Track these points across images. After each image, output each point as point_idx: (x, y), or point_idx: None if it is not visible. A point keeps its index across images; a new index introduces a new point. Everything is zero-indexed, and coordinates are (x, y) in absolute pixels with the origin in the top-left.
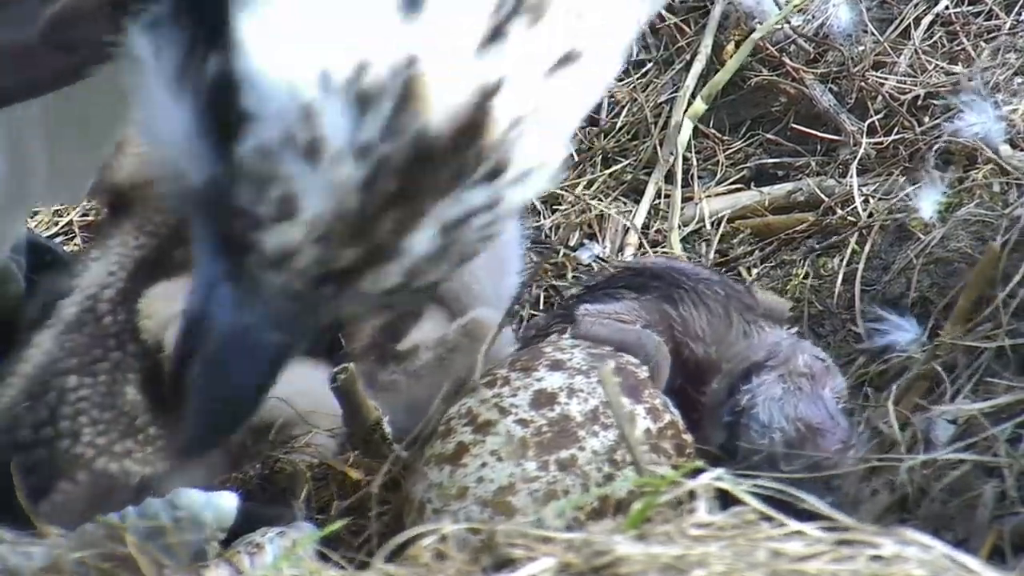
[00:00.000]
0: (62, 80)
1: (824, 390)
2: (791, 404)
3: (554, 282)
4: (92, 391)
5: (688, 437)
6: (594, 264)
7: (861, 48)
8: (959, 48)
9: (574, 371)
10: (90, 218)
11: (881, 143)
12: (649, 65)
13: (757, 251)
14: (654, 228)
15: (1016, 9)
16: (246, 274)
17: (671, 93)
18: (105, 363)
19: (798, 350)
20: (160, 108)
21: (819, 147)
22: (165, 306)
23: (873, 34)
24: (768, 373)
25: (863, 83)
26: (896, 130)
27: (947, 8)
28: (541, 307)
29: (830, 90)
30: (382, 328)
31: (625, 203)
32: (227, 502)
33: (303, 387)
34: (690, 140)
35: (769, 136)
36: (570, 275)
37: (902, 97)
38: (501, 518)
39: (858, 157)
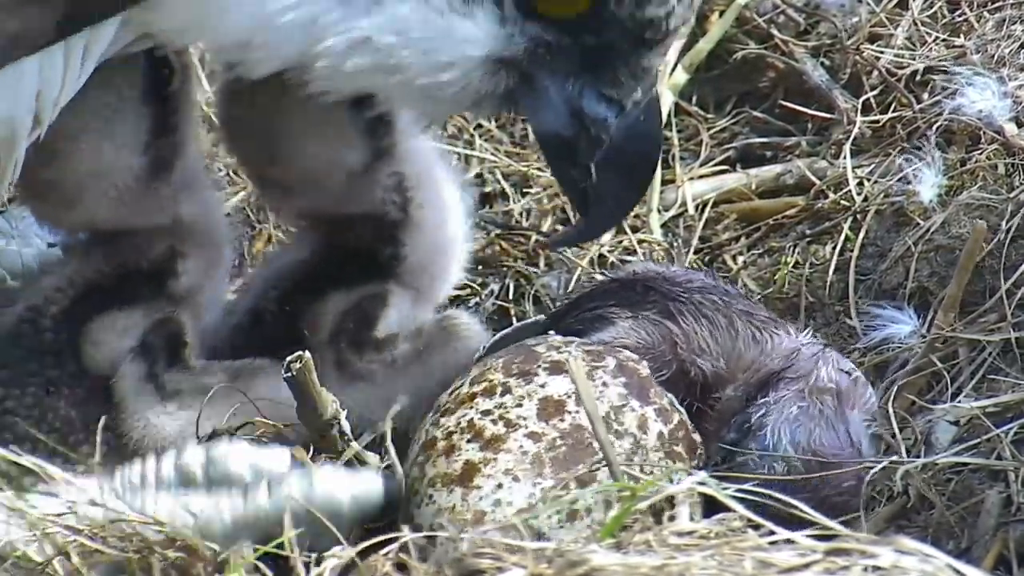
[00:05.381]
0: None
1: (852, 411)
2: (806, 428)
3: (525, 269)
4: (18, 404)
5: (697, 437)
6: (569, 252)
7: (855, 19)
8: (961, 19)
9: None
10: None
11: (877, 121)
12: None
13: (743, 238)
14: (632, 213)
15: None
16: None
17: None
18: (38, 378)
19: (821, 361)
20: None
21: (810, 126)
22: (113, 336)
23: (868, 4)
24: (787, 387)
25: (858, 57)
26: (893, 107)
27: None
28: (511, 296)
29: (822, 64)
30: (346, 313)
31: None
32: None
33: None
34: (671, 118)
35: (756, 114)
36: (543, 263)
37: (899, 72)
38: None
39: (852, 137)
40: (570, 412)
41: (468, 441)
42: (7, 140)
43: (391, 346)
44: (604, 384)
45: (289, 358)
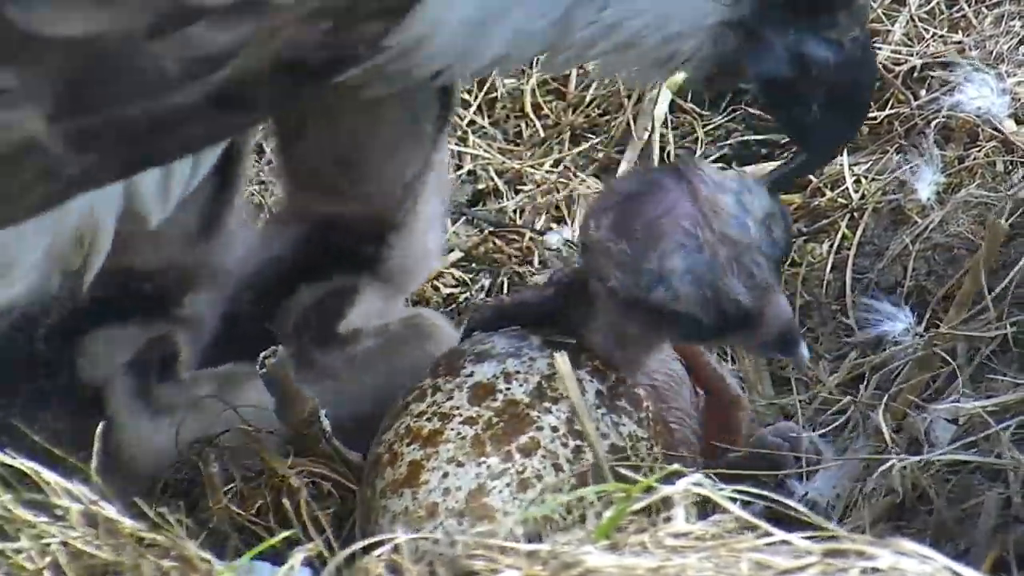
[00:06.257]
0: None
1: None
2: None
3: (519, 268)
4: (7, 413)
5: (639, 390)
6: (563, 248)
7: None
8: (959, 15)
9: (503, 356)
10: None
11: (874, 118)
12: None
13: None
14: None
15: None
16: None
17: None
18: (28, 386)
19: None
20: None
21: None
22: (108, 350)
23: None
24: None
25: None
26: (891, 104)
27: None
28: (504, 294)
29: None
30: (313, 307)
31: (596, 183)
32: None
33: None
34: (667, 115)
35: (752, 111)
36: (536, 261)
37: (897, 68)
38: (483, 523)
39: None
40: (500, 391)
41: (408, 445)
42: (91, 233)
43: (354, 342)
44: (531, 359)
45: (263, 354)
